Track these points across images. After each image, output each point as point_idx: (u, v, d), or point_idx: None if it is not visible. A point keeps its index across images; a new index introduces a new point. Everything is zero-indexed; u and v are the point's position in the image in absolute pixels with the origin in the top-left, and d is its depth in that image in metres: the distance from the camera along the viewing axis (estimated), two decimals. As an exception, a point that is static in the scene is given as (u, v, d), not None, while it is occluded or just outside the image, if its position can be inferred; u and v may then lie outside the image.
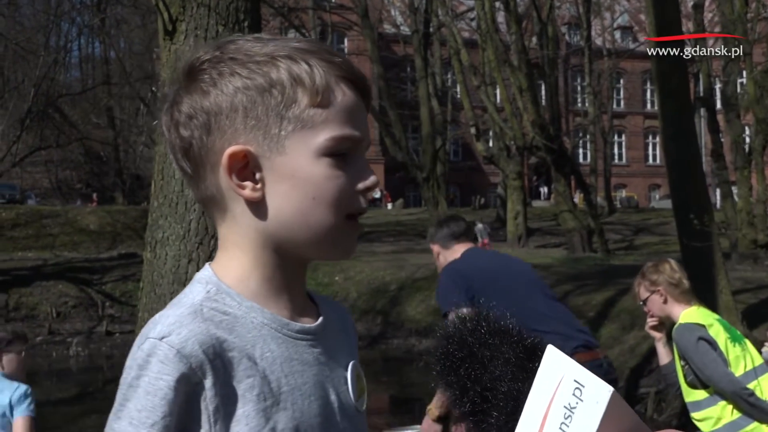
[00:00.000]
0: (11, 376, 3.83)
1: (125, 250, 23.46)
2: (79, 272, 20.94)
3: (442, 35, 28.84)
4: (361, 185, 0.98)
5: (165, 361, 0.88)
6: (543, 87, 28.99)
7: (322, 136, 0.96)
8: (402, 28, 36.40)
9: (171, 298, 3.97)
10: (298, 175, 0.96)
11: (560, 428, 0.75)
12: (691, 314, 3.43)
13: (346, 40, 43.55)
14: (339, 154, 0.97)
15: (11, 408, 3.70)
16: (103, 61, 37.59)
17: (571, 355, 0.79)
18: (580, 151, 47.55)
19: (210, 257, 4.43)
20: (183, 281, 4.15)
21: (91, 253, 23.69)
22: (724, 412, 3.29)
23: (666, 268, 3.52)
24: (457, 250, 3.84)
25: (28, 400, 3.72)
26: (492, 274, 3.70)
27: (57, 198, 38.17)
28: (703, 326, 3.33)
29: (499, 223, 29.94)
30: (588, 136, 41.58)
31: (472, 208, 41.03)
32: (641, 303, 3.60)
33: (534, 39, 29.40)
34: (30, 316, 19.05)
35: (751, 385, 3.25)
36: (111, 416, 0.90)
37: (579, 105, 47.99)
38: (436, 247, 3.94)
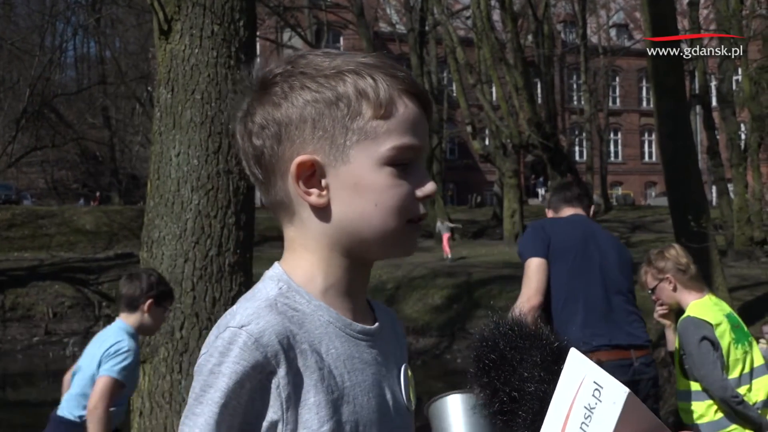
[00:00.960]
0: (144, 332, 3.55)
1: (122, 250, 23.45)
2: (76, 272, 20.92)
3: (438, 34, 28.83)
4: (419, 192, 1.04)
5: (244, 348, 0.94)
6: (539, 85, 29.05)
7: (384, 147, 1.02)
8: (398, 26, 36.43)
9: (167, 297, 3.86)
10: (361, 183, 1.02)
11: (581, 428, 0.79)
12: (701, 307, 3.33)
13: (341, 39, 43.52)
14: (400, 164, 1.03)
15: (99, 364, 3.35)
16: (98, 60, 37.51)
17: (593, 351, 0.81)
18: (576, 149, 47.51)
19: (206, 256, 4.44)
20: (179, 280, 4.14)
21: (87, 253, 23.67)
22: (708, 411, 3.27)
23: (672, 254, 3.43)
24: (565, 213, 3.95)
25: (117, 359, 3.33)
26: (569, 243, 3.69)
27: (53, 198, 38.11)
28: (711, 325, 3.24)
29: (496, 221, 29.95)
30: (584, 134, 41.54)
31: (469, 207, 41.04)
32: (649, 291, 3.51)
33: (530, 37, 29.45)
34: (26, 317, 19.04)
35: (743, 388, 3.22)
36: (191, 401, 0.95)
37: (575, 103, 47.96)
38: (550, 212, 4.05)
